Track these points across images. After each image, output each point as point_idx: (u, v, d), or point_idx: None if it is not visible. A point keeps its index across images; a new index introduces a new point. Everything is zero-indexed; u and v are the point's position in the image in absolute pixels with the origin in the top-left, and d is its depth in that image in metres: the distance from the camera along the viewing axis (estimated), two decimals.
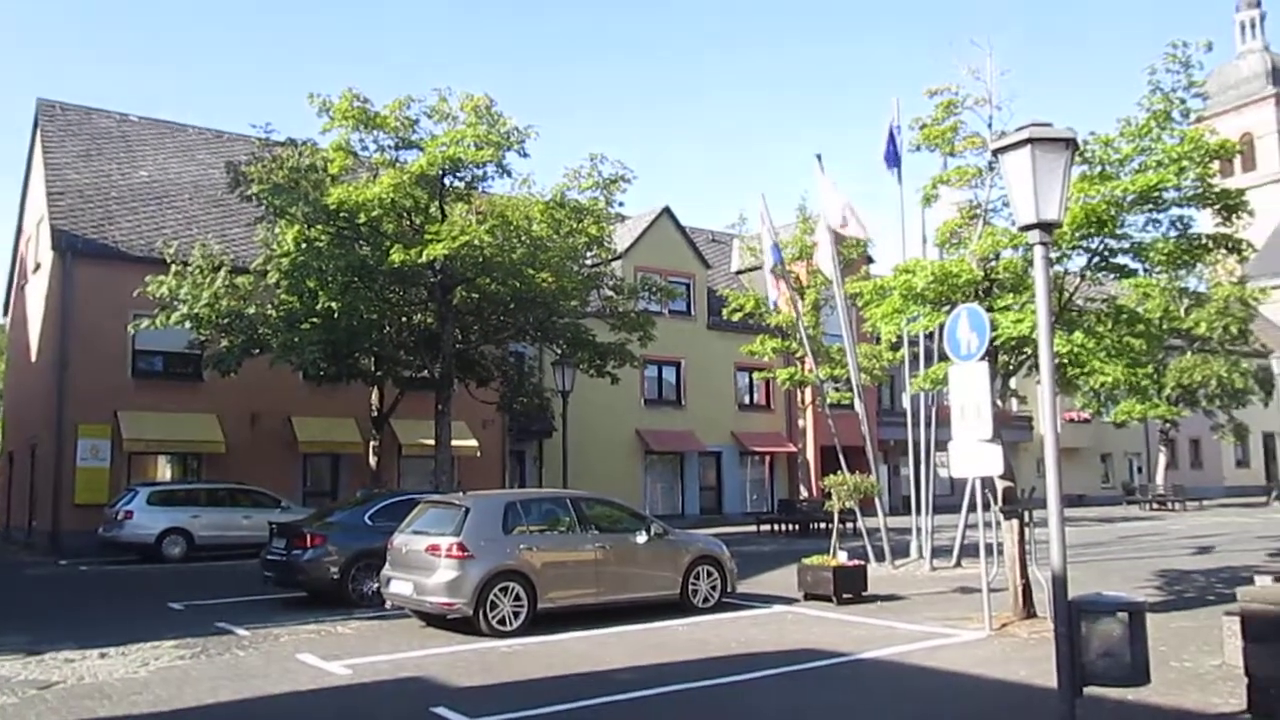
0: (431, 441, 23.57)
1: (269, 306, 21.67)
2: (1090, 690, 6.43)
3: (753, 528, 30.14)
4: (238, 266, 22.61)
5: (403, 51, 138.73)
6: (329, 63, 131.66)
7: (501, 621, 11.58)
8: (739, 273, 39.33)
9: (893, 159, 19.36)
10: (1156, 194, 11.38)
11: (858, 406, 20.23)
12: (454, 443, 24.46)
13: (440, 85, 24.75)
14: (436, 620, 12.15)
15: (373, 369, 23.99)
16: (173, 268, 21.47)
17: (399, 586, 12.22)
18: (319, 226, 20.87)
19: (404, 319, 23.23)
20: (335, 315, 20.45)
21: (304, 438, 27.00)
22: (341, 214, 20.56)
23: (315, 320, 20.77)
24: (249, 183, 21.08)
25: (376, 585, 13.25)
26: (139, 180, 29.18)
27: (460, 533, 11.82)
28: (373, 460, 25.43)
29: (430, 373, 23.46)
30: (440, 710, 8.05)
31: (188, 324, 21.39)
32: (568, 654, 10.52)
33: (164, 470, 27.34)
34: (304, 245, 20.74)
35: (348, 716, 8.33)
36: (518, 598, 11.76)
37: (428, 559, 11.85)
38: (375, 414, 25.39)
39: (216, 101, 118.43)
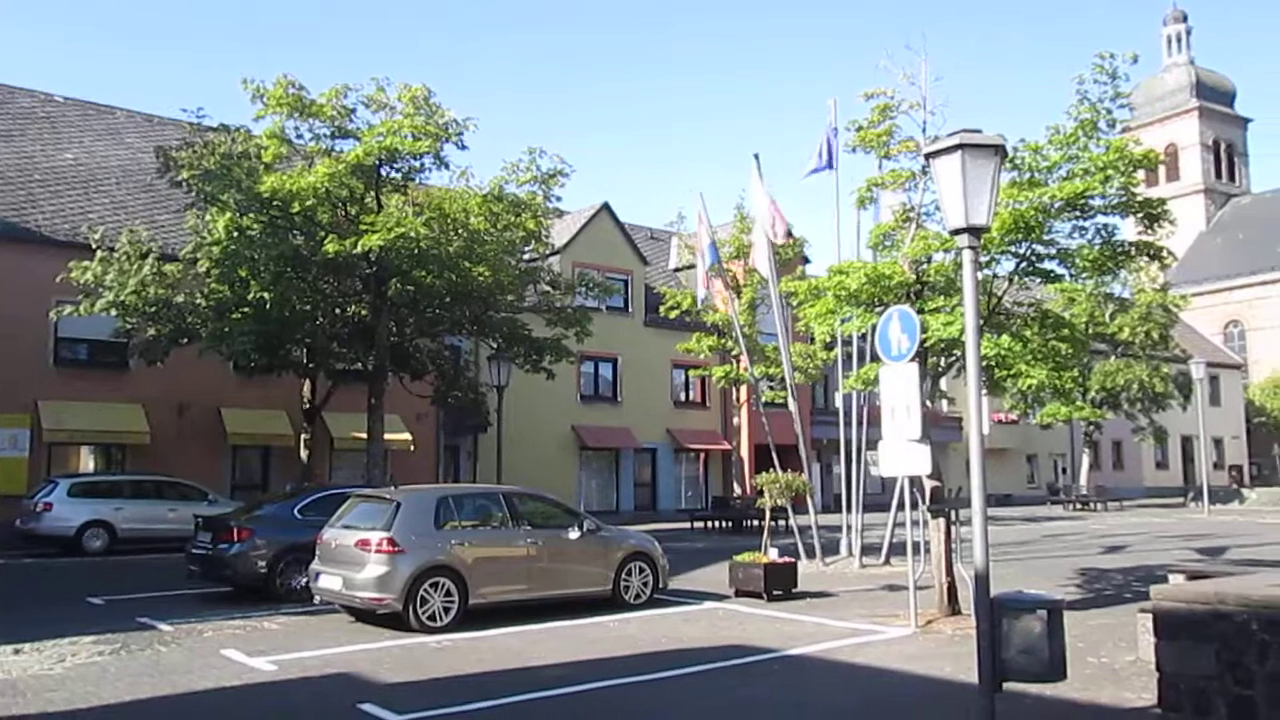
0: (364, 435, 23.32)
1: (198, 295, 21.28)
2: (1010, 686, 6.58)
3: (687, 524, 30.28)
4: (166, 254, 22.17)
5: (340, 39, 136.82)
6: (265, 47, 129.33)
7: (432, 617, 11.50)
8: (677, 270, 39.48)
9: (825, 163, 19.58)
10: (1083, 201, 11.66)
11: (791, 405, 20.43)
12: (387, 436, 24.22)
13: (379, 74, 24.37)
14: (366, 616, 12.02)
15: (305, 360, 23.65)
16: (98, 254, 20.96)
17: (328, 581, 12.07)
18: (251, 215, 20.52)
19: (338, 310, 22.92)
20: (267, 305, 20.13)
21: (233, 429, 26.53)
22: (275, 202, 20.23)
23: (246, 310, 20.43)
24: (179, 168, 20.67)
25: (305, 580, 13.07)
26: (64, 163, 28.41)
27: (391, 528, 11.72)
28: (304, 453, 25.06)
29: (364, 365, 23.20)
30: (367, 707, 7.97)
31: (113, 312, 20.93)
32: (498, 650, 10.48)
33: (86, 461, 26.65)
34: (236, 233, 20.40)
35: (272, 713, 8.21)
36: (448, 593, 11.69)
37: (358, 554, 11.73)
38: (307, 406, 25.03)
39: (147, 85, 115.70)
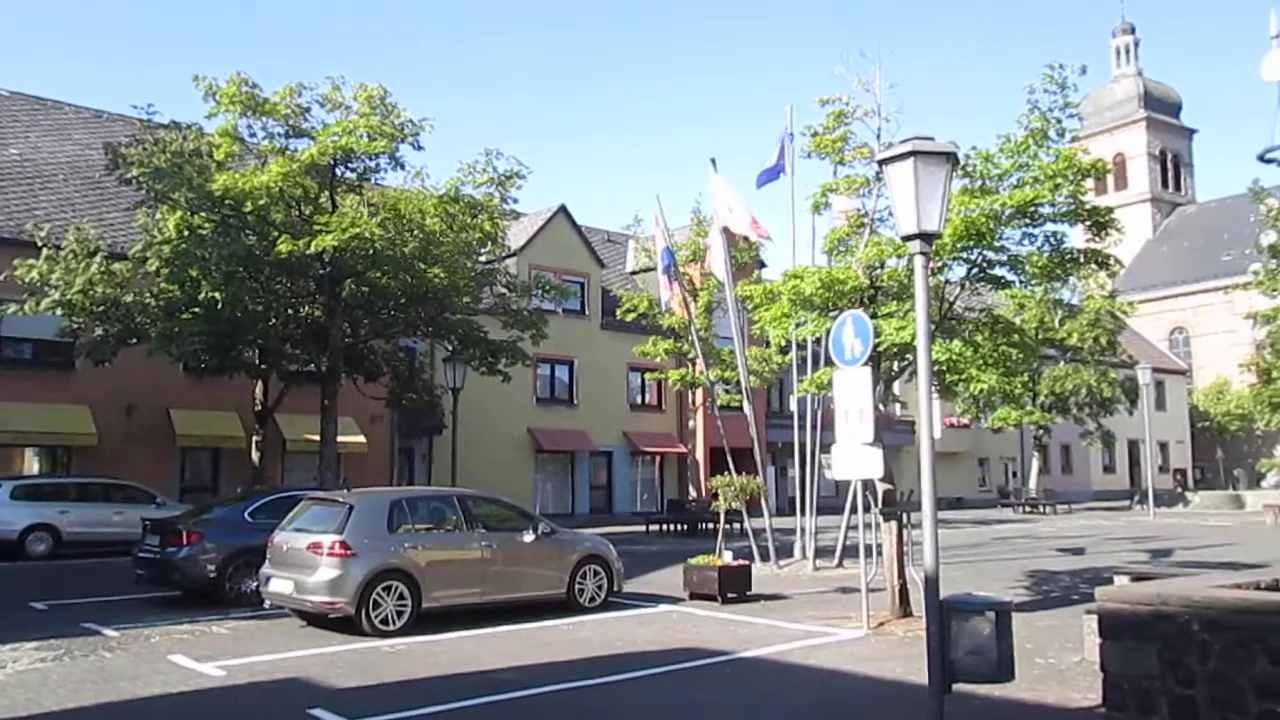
0: (317, 437, 23.08)
1: (148, 295, 20.95)
2: (959, 687, 6.66)
3: (642, 527, 30.29)
4: (115, 252, 21.79)
5: (292, 38, 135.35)
6: (218, 45, 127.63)
7: (384, 621, 11.42)
8: (634, 273, 39.51)
9: (774, 172, 19.70)
10: (1033, 209, 11.85)
11: (747, 408, 20.52)
12: (340, 439, 23.99)
13: (334, 73, 24.28)
14: (318, 620, 11.91)
15: (257, 362, 23.36)
16: (44, 251, 20.57)
17: (279, 585, 11.94)
18: (203, 213, 20.24)
19: (291, 311, 22.66)
20: (218, 305, 19.85)
21: (183, 431, 26.12)
22: (227, 201, 19.96)
23: (197, 310, 20.13)
24: (129, 165, 20.33)
25: (255, 584, 12.93)
26: (8, 159, 27.83)
27: (343, 531, 11.63)
28: (255, 455, 24.74)
29: (317, 367, 22.97)
30: (317, 712, 7.89)
31: (59, 311, 20.52)
32: (451, 653, 10.43)
33: (30, 463, 26.11)
34: (186, 232, 20.11)
35: (220, 719, 8.10)
36: (401, 597, 11.61)
37: (309, 557, 11.62)
38: (259, 408, 24.72)
39: (95, 80, 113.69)
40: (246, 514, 14.63)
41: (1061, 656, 9.90)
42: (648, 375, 37.19)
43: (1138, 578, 9.70)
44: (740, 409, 21.62)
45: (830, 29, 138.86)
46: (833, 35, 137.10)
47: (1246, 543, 24.04)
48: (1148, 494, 39.53)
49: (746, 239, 25.84)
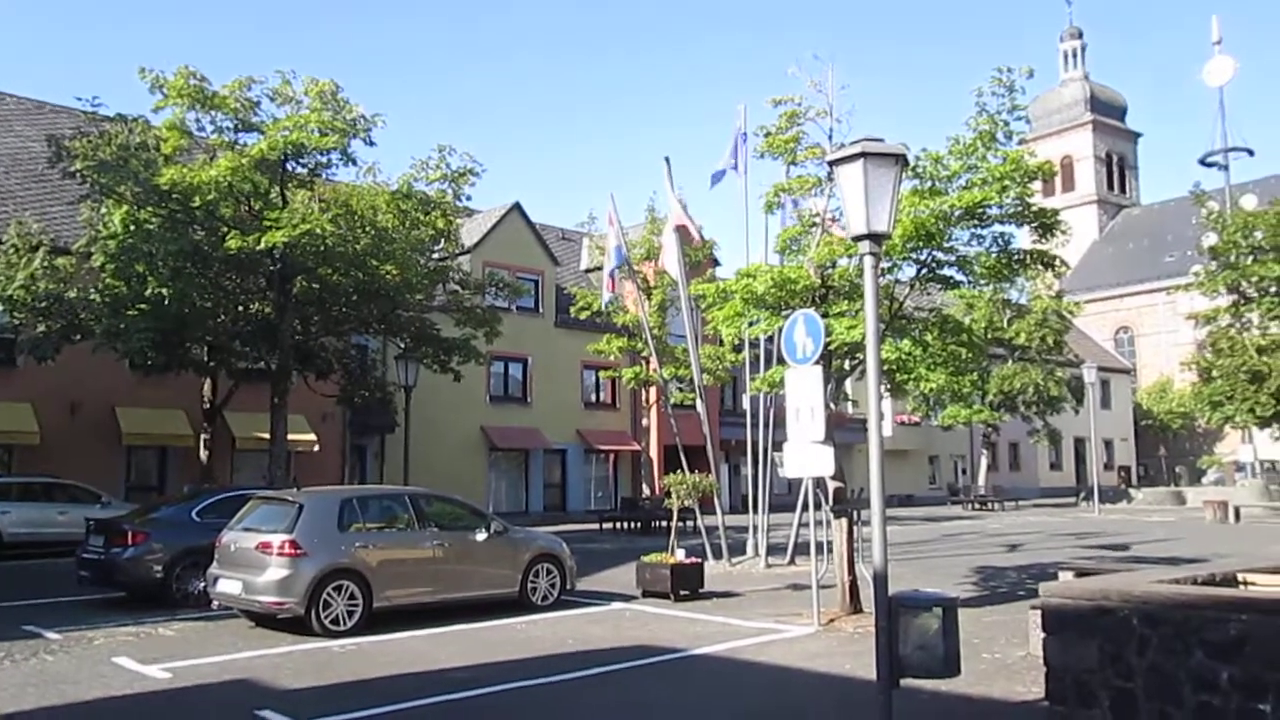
0: (267, 435, 22.82)
1: (92, 290, 20.57)
2: (908, 682, 6.74)
3: (596, 525, 30.28)
4: (58, 247, 21.40)
5: (244, 35, 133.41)
6: (163, 38, 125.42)
7: (335, 621, 11.33)
8: (588, 271, 39.47)
9: (720, 172, 19.81)
10: (981, 210, 11.99)
11: (699, 407, 20.60)
12: (291, 437, 23.74)
13: (284, 68, 24.05)
14: (267, 620, 11.77)
15: (205, 359, 23.04)
16: None
17: (227, 585, 11.80)
18: (150, 208, 19.93)
19: (240, 307, 22.37)
20: (166, 302, 19.55)
21: (129, 429, 25.68)
22: (174, 196, 19.68)
23: (143, 306, 19.81)
24: (73, 158, 19.95)
25: (203, 584, 12.75)
26: None
27: (293, 530, 11.52)
28: (204, 454, 24.41)
29: (267, 364, 22.70)
30: (265, 713, 7.81)
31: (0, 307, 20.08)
32: (402, 653, 10.37)
33: None
34: (133, 227, 19.78)
35: None
36: (352, 596, 11.52)
37: (258, 557, 11.49)
38: (207, 406, 24.39)
39: (38, 71, 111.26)
40: (194, 513, 14.43)
41: (1007, 651, 10.06)
42: (602, 373, 37.19)
43: (1081, 573, 9.88)
44: (694, 407, 21.70)
45: (786, 31, 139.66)
46: (788, 37, 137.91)
47: (1187, 538, 24.57)
48: (1093, 491, 40.27)
49: (701, 237, 25.95)
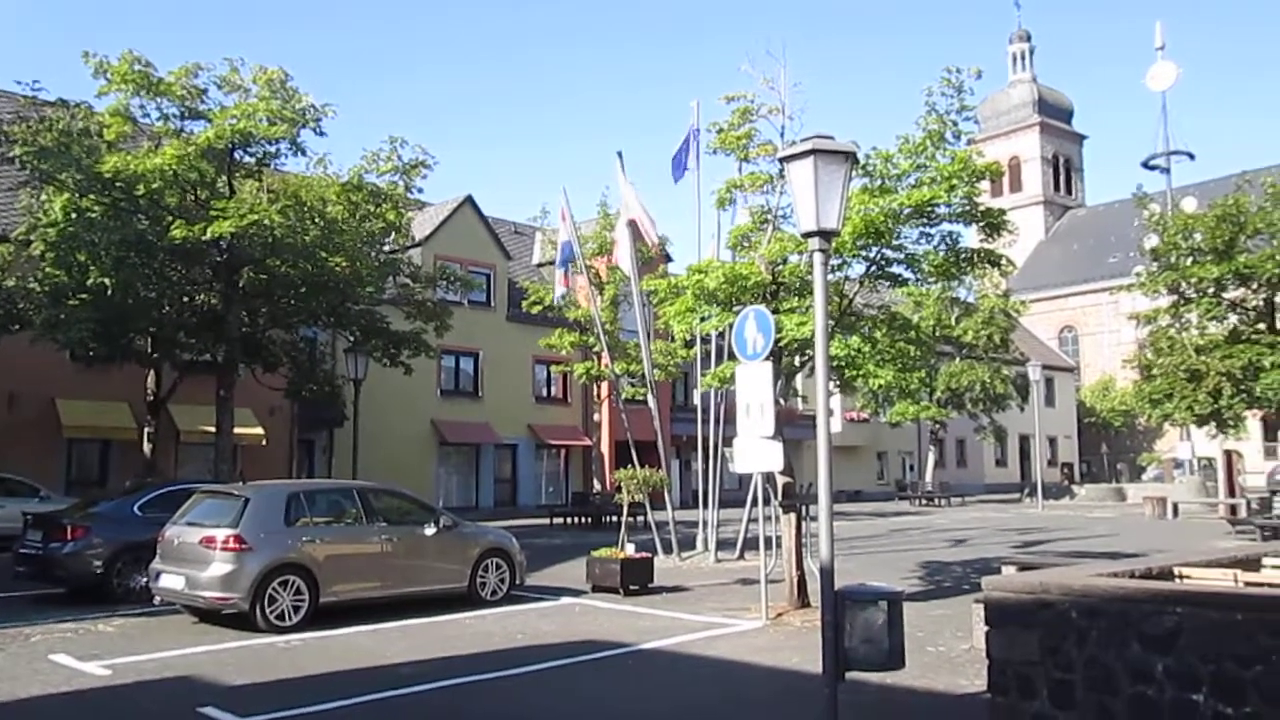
0: (213, 428, 22.45)
1: (31, 279, 20.11)
2: (854, 675, 6.82)
3: (546, 520, 30.25)
4: None
5: (190, 22, 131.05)
6: (108, 28, 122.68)
7: (280, 616, 11.21)
8: (541, 265, 39.33)
9: (680, 165, 19.83)
10: (930, 209, 12.13)
11: (651, 402, 20.63)
12: (237, 430, 23.39)
13: (233, 55, 23.64)
14: (210, 616, 11.64)
15: (149, 350, 22.60)
16: None
17: (169, 581, 11.62)
18: (92, 196, 19.45)
19: (185, 298, 21.96)
20: (108, 291, 19.15)
21: (69, 422, 25.15)
22: (118, 184, 19.24)
23: (85, 296, 19.38)
24: (11, 144, 19.41)
25: (145, 580, 12.56)
26: None
27: (238, 524, 11.39)
28: (147, 447, 23.93)
29: (213, 356, 22.31)
30: (208, 710, 7.71)
31: None
32: (349, 649, 10.28)
33: None
34: (74, 215, 19.28)
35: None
36: (299, 591, 11.41)
37: (202, 551, 11.34)
38: (151, 398, 23.92)
39: None
40: (136, 508, 14.21)
41: (952, 644, 10.20)
42: (553, 368, 37.07)
43: (1024, 567, 10.08)
44: (645, 402, 21.72)
45: (740, 29, 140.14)
46: (743, 36, 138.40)
47: (1127, 533, 25.08)
48: (1037, 487, 40.96)
49: (656, 236, 25.88)
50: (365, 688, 8.44)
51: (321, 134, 21.29)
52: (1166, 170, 43.74)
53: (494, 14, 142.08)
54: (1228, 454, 34.38)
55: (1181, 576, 6.83)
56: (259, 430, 27.33)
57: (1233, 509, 29.26)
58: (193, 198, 20.72)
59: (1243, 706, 4.86)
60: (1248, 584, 6.64)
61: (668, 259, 32.47)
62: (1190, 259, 25.56)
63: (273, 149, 21.24)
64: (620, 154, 20.22)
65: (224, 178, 20.88)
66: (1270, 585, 6.77)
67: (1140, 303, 29.02)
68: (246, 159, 21.39)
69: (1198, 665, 5.04)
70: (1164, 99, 45.28)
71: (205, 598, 11.28)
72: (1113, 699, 5.38)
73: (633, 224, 20.19)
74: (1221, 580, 6.75)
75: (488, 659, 9.80)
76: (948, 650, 9.94)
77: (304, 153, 21.45)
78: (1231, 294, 25.71)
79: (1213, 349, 25.30)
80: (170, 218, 19.63)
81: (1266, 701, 4.78)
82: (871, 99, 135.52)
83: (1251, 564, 7.60)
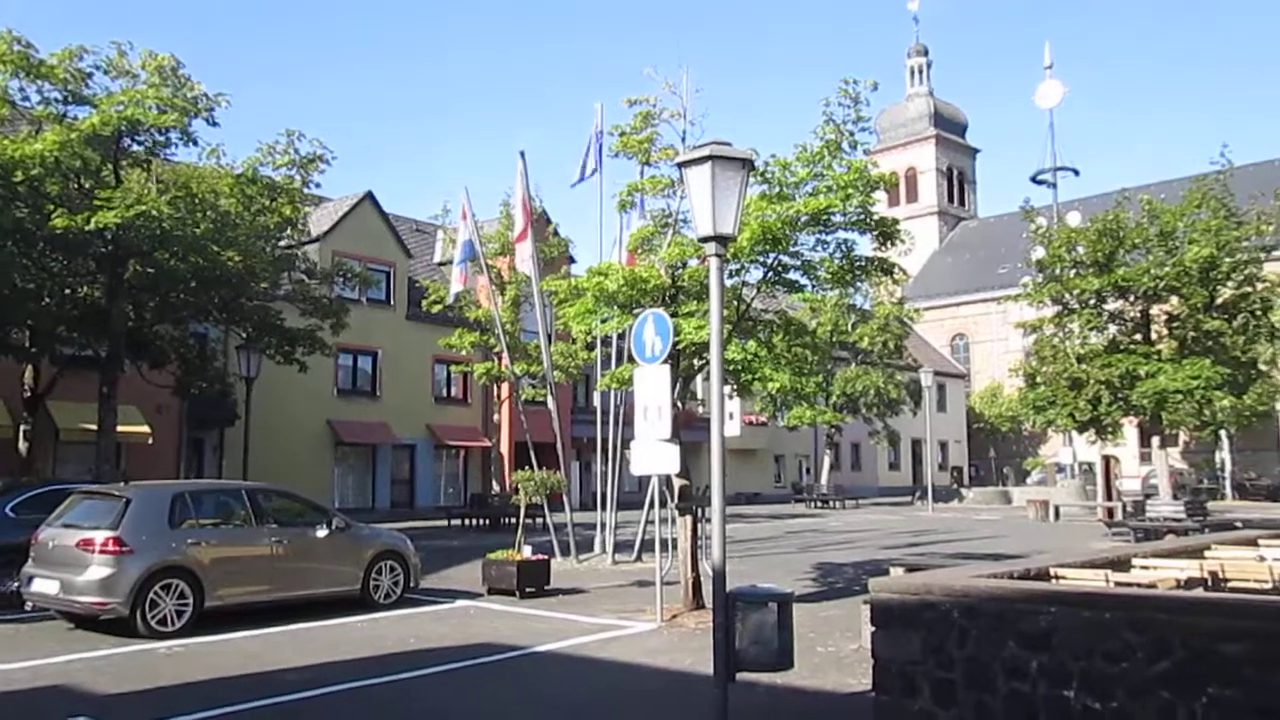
0: (95, 426, 21.59)
1: None
2: (745, 676, 6.91)
3: (444, 522, 29.92)
4: None
5: (86, 10, 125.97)
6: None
7: (162, 622, 10.85)
8: (441, 264, 38.84)
9: (583, 168, 19.82)
10: (826, 217, 12.33)
11: (551, 403, 20.56)
12: (121, 428, 22.55)
13: (121, 39, 22.76)
14: (87, 622, 11.18)
15: (27, 344, 21.64)
16: None
17: (43, 585, 11.16)
18: None
19: (67, 290, 21.08)
20: None
21: None
22: None
23: None
24: None
25: (16, 585, 12.00)
26: None
27: (118, 526, 10.99)
28: (23, 446, 22.91)
29: (96, 351, 21.49)
30: None
31: None
32: (234, 654, 10.00)
33: None
34: None
35: None
36: (182, 596, 11.07)
37: (79, 555, 10.91)
38: (28, 394, 22.90)
39: None
40: (8, 509, 13.65)
41: (841, 645, 10.40)
42: (453, 368, 36.67)
43: (911, 569, 10.32)
44: (545, 404, 21.64)
45: (643, 33, 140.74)
46: (645, 39, 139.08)
47: (1011, 535, 25.93)
48: (928, 490, 42.07)
49: (555, 233, 25.88)
50: (248, 695, 8.21)
51: (214, 124, 20.74)
52: (1053, 185, 45.31)
53: (399, 13, 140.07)
54: (1106, 459, 35.86)
55: (1057, 577, 7.08)
56: (145, 428, 26.40)
57: (1110, 512, 30.52)
58: (76, 186, 19.91)
59: (1110, 702, 5.07)
60: (1118, 584, 6.92)
61: (571, 260, 32.42)
62: (1073, 271, 26.51)
63: (163, 138, 20.60)
64: (523, 154, 20.08)
65: (110, 166, 20.12)
66: (1139, 585, 7.06)
67: (1027, 312, 29.97)
68: (135, 147, 20.69)
69: (1069, 662, 5.24)
70: (1052, 116, 46.94)
71: (82, 603, 10.86)
72: (991, 697, 5.56)
73: (533, 222, 20.09)
74: (1094, 580, 7.02)
75: (378, 663, 9.64)
76: (837, 650, 10.13)
77: (196, 143, 20.81)
78: (1111, 305, 26.76)
79: (1093, 358, 26.28)
80: (52, 206, 18.84)
81: (1131, 696, 4.99)
82: (774, 105, 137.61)
83: (1123, 564, 7.93)
